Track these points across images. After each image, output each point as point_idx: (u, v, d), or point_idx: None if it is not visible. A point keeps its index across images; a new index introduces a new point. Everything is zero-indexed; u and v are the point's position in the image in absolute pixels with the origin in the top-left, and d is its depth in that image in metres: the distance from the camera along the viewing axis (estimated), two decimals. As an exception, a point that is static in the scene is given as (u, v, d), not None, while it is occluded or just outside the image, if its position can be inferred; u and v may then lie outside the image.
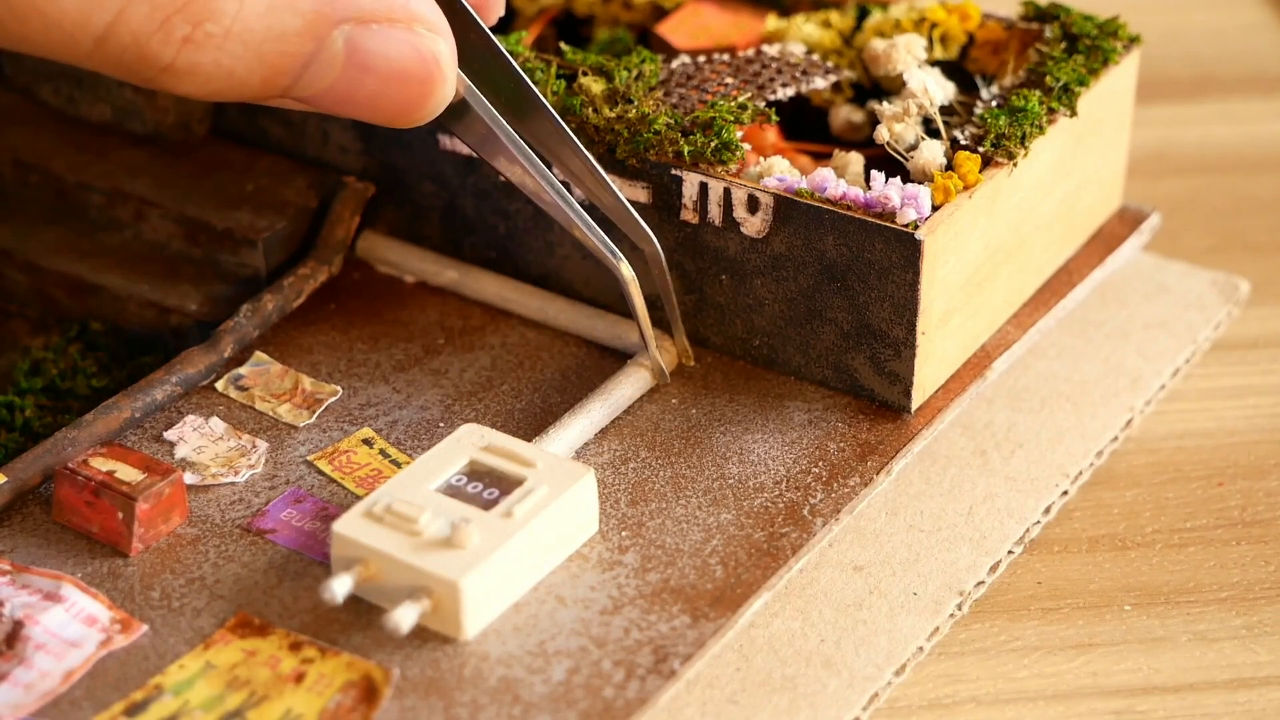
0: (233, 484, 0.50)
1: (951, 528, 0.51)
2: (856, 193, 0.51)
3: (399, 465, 0.51)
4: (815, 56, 0.58)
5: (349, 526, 0.46)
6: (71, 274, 0.57)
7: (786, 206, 0.51)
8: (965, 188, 0.51)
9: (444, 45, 0.46)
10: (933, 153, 0.52)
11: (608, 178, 0.51)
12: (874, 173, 0.52)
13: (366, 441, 0.52)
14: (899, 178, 0.52)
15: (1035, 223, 0.55)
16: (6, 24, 0.42)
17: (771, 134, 0.56)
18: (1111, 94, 0.57)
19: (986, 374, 0.54)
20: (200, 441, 0.51)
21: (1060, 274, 0.58)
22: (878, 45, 0.57)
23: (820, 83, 0.56)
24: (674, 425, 0.52)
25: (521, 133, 0.50)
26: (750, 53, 0.57)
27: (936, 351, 0.52)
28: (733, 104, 0.54)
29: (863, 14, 0.60)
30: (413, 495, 0.47)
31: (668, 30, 0.59)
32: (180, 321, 0.56)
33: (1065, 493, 0.53)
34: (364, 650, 0.45)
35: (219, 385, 0.54)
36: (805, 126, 0.58)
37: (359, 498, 0.50)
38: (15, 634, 0.45)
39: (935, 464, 0.53)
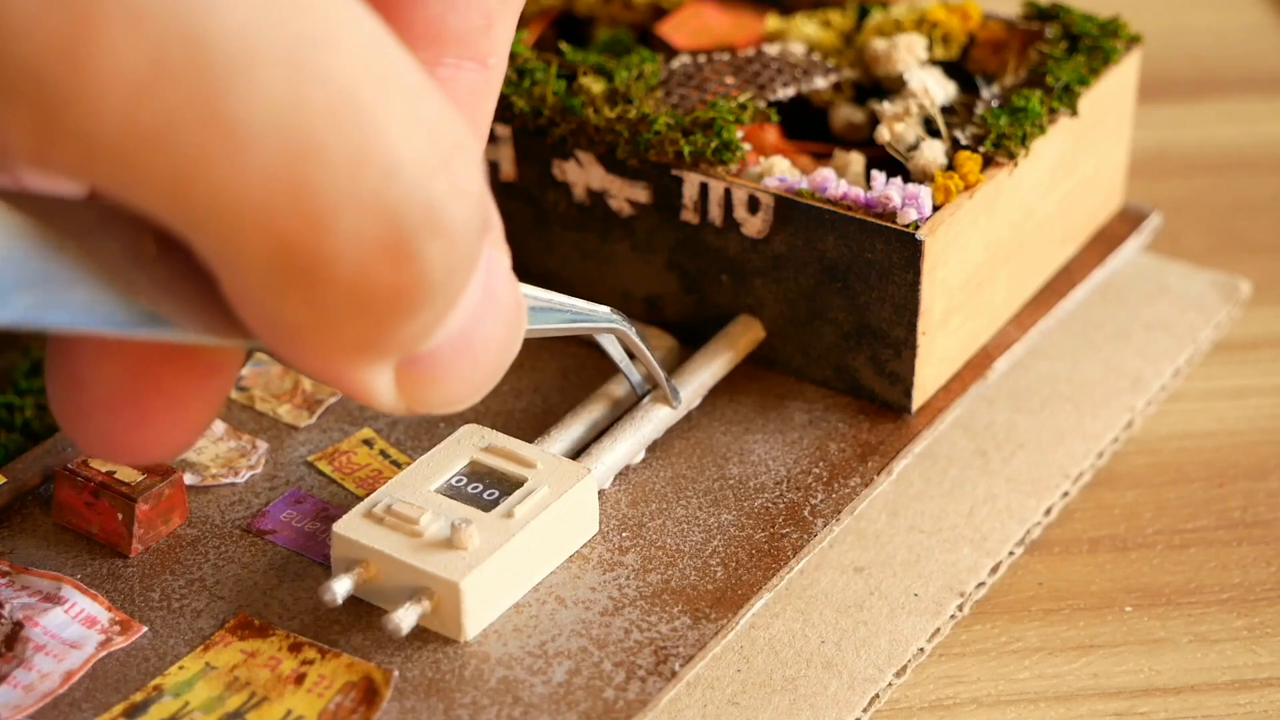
0: (233, 484, 0.50)
1: (952, 528, 0.51)
2: (857, 193, 0.51)
3: (399, 466, 0.51)
4: (816, 56, 0.57)
5: (349, 527, 0.46)
6: (71, 274, 0.57)
7: (787, 207, 0.51)
8: (966, 188, 0.51)
9: None
10: (933, 152, 0.52)
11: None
12: (875, 173, 0.52)
13: (367, 442, 0.52)
14: (900, 178, 0.52)
15: (1036, 223, 0.55)
16: None
17: (772, 134, 0.56)
18: (1112, 94, 0.57)
19: (987, 374, 0.54)
20: (200, 442, 0.51)
21: (1061, 274, 0.58)
22: (878, 45, 0.57)
23: (821, 82, 0.56)
24: (674, 425, 0.52)
25: None
26: (750, 52, 0.57)
27: (937, 352, 0.52)
28: (733, 104, 0.53)
29: (863, 13, 0.60)
30: (413, 496, 0.47)
31: (669, 30, 0.59)
32: (180, 322, 0.56)
33: (1066, 493, 0.53)
34: (364, 651, 0.45)
35: (219, 385, 0.53)
36: (805, 126, 0.58)
37: (359, 498, 0.49)
38: (15, 635, 0.45)
39: (936, 464, 0.53)
